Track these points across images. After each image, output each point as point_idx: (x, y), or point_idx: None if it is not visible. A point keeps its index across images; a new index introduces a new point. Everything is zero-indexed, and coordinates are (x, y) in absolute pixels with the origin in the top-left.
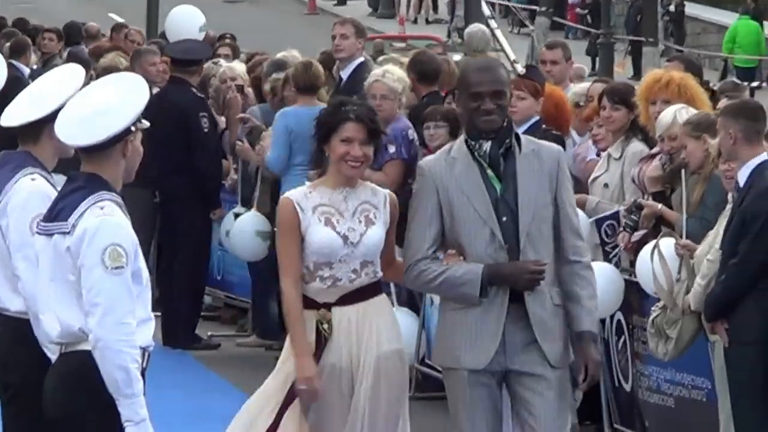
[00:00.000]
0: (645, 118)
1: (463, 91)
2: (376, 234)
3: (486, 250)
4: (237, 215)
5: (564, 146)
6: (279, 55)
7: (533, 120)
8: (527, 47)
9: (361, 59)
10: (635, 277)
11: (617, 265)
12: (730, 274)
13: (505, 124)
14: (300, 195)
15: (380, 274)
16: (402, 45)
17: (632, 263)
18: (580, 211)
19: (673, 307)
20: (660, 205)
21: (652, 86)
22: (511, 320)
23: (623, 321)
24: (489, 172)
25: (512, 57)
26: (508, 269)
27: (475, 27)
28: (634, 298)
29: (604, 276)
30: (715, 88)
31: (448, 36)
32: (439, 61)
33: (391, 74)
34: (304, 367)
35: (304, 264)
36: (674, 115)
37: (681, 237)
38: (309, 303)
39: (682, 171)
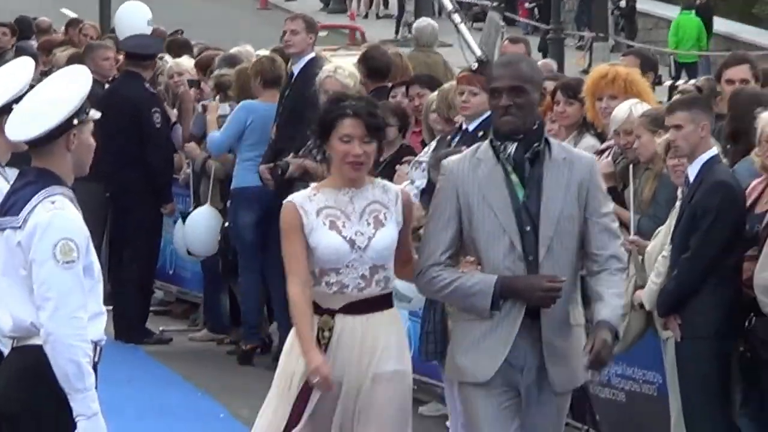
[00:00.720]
0: (592, 114)
1: (488, 87)
2: (387, 236)
3: (503, 261)
4: (185, 216)
5: None
6: (232, 50)
7: (486, 115)
8: (478, 41)
9: (312, 54)
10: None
11: None
12: (682, 269)
13: (534, 126)
14: (303, 198)
15: (392, 283)
16: (324, 34)
17: None
18: None
19: None
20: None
21: (598, 82)
22: (524, 336)
23: None
24: (513, 177)
25: (478, 53)
26: (522, 283)
27: (424, 21)
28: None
29: None
30: (693, 86)
31: (397, 31)
32: (390, 57)
33: (342, 70)
34: (313, 359)
35: (309, 269)
36: (630, 109)
37: (630, 233)
38: (312, 307)
39: (630, 167)
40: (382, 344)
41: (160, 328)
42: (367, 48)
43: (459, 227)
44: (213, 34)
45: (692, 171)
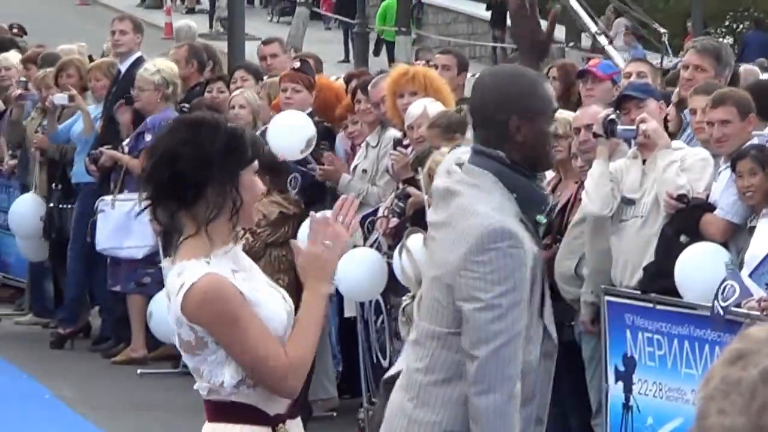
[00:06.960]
0: (392, 112)
1: None
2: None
3: None
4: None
5: (334, 139)
6: (59, 49)
7: (307, 112)
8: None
9: (139, 53)
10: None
11: (379, 249)
12: None
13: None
14: (208, 265)
15: None
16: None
17: (390, 247)
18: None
19: None
20: (427, 196)
21: (398, 80)
22: None
23: (381, 301)
24: None
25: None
26: None
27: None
28: (392, 280)
29: (368, 261)
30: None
31: (211, 26)
32: (216, 53)
33: (151, 67)
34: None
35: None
36: (424, 106)
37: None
38: (256, 416)
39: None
40: None
41: None
42: (193, 43)
43: None
44: (32, 30)
45: None
